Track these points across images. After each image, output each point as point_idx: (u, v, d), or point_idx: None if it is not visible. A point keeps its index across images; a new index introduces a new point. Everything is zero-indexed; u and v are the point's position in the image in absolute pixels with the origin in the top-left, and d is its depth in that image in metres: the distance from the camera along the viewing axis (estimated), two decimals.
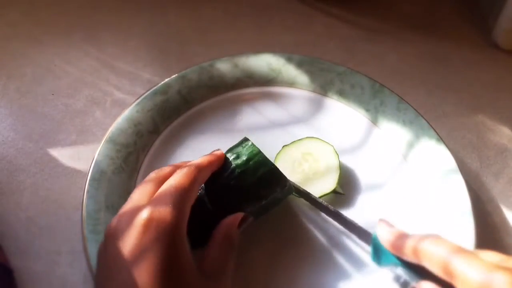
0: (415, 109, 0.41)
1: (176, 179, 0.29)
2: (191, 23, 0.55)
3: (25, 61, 0.50)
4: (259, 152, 0.34)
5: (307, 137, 0.41)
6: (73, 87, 0.47)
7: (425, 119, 0.41)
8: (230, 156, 0.34)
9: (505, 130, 0.45)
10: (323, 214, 0.36)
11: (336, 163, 0.39)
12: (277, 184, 0.34)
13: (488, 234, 0.38)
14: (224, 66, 0.45)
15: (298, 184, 0.37)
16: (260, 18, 0.56)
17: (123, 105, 0.45)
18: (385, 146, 0.42)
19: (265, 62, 0.46)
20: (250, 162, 0.34)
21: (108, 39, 0.53)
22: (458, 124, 0.42)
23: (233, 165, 0.33)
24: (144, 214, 0.26)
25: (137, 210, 0.27)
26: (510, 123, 0.46)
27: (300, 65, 0.45)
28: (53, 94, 0.47)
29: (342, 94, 0.45)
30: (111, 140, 0.39)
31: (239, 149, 0.35)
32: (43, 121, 0.44)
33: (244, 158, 0.34)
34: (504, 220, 0.39)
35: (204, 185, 0.33)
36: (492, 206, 0.40)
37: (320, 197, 0.37)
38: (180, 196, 0.28)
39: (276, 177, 0.34)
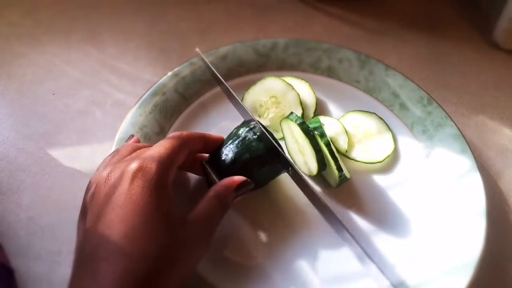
0: (401, 73, 0.45)
1: (163, 143, 0.32)
2: (191, 24, 0.55)
3: (25, 61, 0.50)
4: (262, 132, 0.36)
5: (350, 111, 0.44)
6: (73, 88, 0.47)
7: (413, 82, 0.44)
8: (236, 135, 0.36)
9: (505, 130, 0.45)
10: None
11: (386, 126, 0.43)
12: (274, 161, 0.36)
13: (490, 234, 0.38)
14: (213, 59, 0.46)
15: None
16: (260, 18, 0.56)
17: (123, 106, 0.45)
18: (383, 113, 0.44)
19: (252, 49, 0.47)
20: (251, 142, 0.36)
21: (109, 40, 0.53)
22: (458, 124, 0.42)
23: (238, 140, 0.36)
24: (133, 165, 0.29)
25: (126, 163, 0.30)
26: (510, 123, 0.46)
27: (286, 47, 0.47)
28: (53, 94, 0.47)
29: (332, 70, 0.47)
30: None
31: (244, 129, 0.37)
32: (43, 121, 0.44)
33: (245, 136, 0.36)
34: (504, 220, 0.39)
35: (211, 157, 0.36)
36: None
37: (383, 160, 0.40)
38: (166, 155, 0.31)
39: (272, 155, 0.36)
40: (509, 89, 0.49)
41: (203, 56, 0.43)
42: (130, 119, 0.41)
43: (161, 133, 0.41)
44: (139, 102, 0.42)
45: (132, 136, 0.37)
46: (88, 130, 0.44)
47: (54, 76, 0.49)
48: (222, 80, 0.41)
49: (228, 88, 0.40)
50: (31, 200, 0.39)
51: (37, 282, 0.34)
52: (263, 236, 0.36)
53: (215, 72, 0.41)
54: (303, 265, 0.35)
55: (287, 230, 0.37)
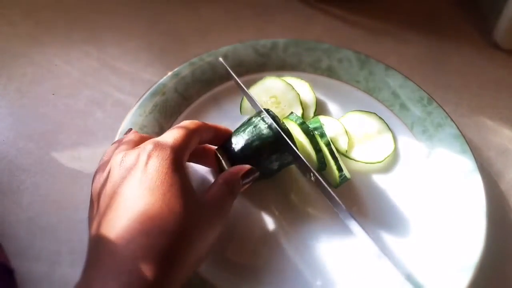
0: (401, 73, 0.45)
1: (176, 129, 0.33)
2: (191, 24, 0.55)
3: (25, 61, 0.50)
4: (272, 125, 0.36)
5: (350, 111, 0.43)
6: (73, 87, 0.47)
7: (413, 82, 0.44)
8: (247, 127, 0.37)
9: (505, 130, 0.45)
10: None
11: (386, 126, 0.42)
12: (280, 152, 0.36)
13: (490, 234, 0.38)
14: (213, 59, 0.46)
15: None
16: (260, 18, 0.56)
17: (123, 106, 0.45)
18: (383, 113, 0.44)
19: (252, 49, 0.47)
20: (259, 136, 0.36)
21: (109, 40, 0.53)
22: (458, 124, 0.42)
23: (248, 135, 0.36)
24: (148, 147, 0.30)
25: (140, 147, 0.31)
26: (510, 123, 0.46)
27: (286, 47, 0.47)
28: (53, 94, 0.47)
29: (332, 70, 0.47)
30: None
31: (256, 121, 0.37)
32: (43, 121, 0.44)
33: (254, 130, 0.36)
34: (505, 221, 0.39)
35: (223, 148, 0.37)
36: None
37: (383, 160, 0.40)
38: (180, 138, 0.32)
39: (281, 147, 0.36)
40: (509, 89, 0.49)
41: (226, 66, 0.43)
42: (130, 119, 0.41)
43: (161, 133, 0.41)
44: (139, 102, 0.42)
45: (131, 129, 0.37)
46: (88, 130, 0.44)
47: (54, 76, 0.49)
48: (238, 81, 0.41)
49: (243, 88, 0.41)
50: (31, 200, 0.39)
51: (37, 282, 0.34)
52: (264, 237, 0.36)
53: (234, 76, 0.42)
54: (304, 266, 0.35)
55: (289, 230, 0.37)
